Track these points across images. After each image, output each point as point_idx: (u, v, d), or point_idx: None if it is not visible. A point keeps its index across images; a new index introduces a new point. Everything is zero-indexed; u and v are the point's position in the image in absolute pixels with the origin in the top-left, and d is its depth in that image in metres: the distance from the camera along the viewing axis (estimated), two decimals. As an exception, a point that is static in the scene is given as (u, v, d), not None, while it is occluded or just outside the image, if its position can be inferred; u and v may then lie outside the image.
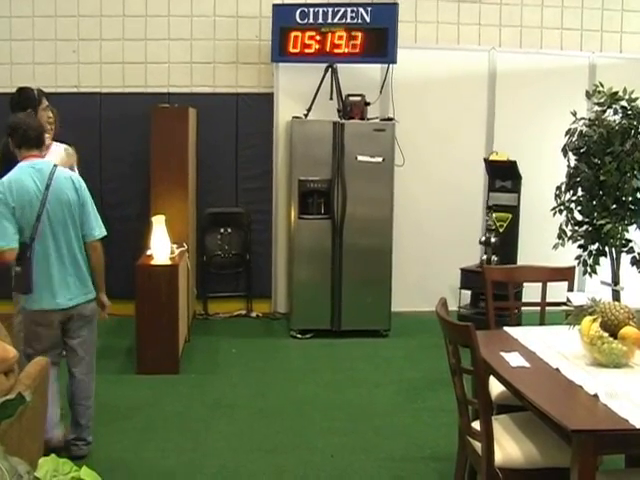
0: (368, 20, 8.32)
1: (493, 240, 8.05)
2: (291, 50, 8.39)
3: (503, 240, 8.16)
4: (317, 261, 8.06)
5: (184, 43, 8.86)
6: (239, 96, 8.83)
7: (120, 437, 5.49)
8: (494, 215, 8.21)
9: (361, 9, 8.30)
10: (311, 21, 8.36)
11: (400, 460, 5.15)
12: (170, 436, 5.55)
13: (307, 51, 8.39)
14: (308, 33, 8.36)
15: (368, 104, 8.16)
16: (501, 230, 8.21)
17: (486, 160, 8.41)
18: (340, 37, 8.33)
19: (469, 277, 8.23)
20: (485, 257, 8.15)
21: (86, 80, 8.66)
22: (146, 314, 6.77)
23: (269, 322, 8.77)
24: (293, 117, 8.15)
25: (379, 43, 8.33)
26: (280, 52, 8.40)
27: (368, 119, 8.13)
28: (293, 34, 8.36)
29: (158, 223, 7.12)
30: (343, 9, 8.31)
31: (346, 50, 8.34)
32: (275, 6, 8.36)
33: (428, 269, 8.89)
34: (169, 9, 8.80)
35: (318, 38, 8.35)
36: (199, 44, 8.86)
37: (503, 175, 8.27)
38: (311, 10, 8.32)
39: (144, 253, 7.22)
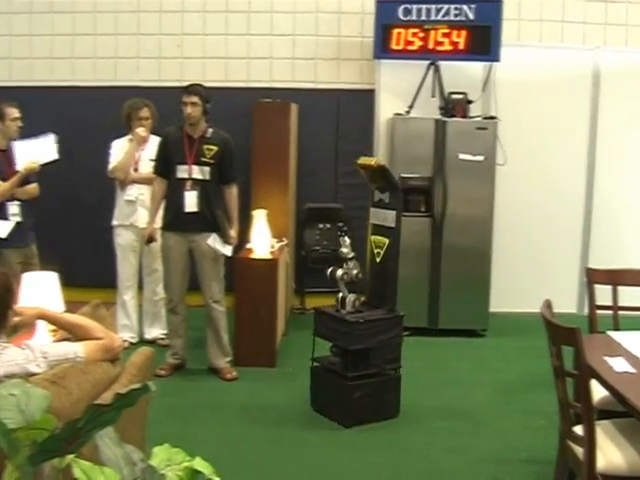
0: (472, 17, 8.24)
1: (340, 273, 5.93)
2: (393, 47, 8.33)
3: (381, 273, 6.07)
4: (416, 259, 8.00)
5: (286, 39, 8.92)
6: (341, 92, 8.85)
7: (217, 429, 5.59)
8: (372, 239, 6.12)
9: (465, 6, 8.22)
10: (414, 18, 8.30)
11: (496, 462, 5.10)
12: (266, 430, 5.61)
13: (410, 48, 8.33)
14: (411, 30, 8.30)
15: (470, 102, 8.10)
16: (378, 260, 6.04)
17: (357, 164, 6.22)
18: (443, 34, 8.26)
19: (325, 321, 6.01)
20: (340, 295, 5.96)
21: (189, 75, 8.74)
22: (245, 307, 6.84)
23: (365, 318, 8.79)
24: (395, 114, 8.13)
25: (482, 41, 8.24)
26: (382, 49, 8.36)
27: (470, 117, 8.08)
28: (396, 31, 8.31)
29: (259, 217, 7.18)
30: (447, 6, 8.24)
31: (449, 47, 8.27)
32: (378, 3, 8.30)
33: (527, 270, 8.78)
34: (272, 5, 8.87)
35: (421, 35, 8.29)
36: (301, 40, 8.91)
37: (379, 185, 6.07)
38: (414, 7, 8.26)
39: (244, 247, 7.29)
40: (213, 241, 6.49)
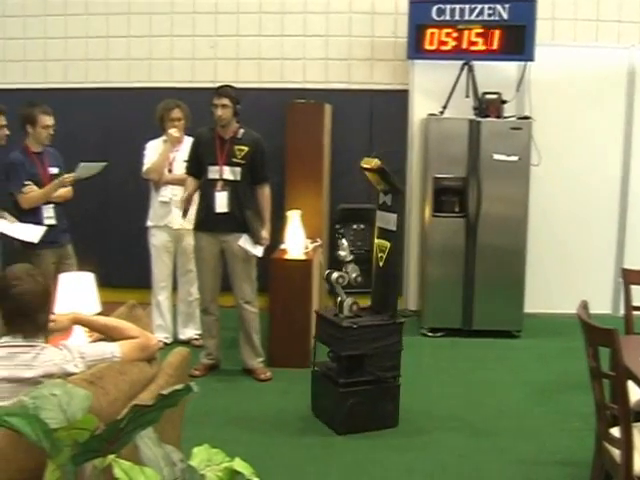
0: (505, 17, 8.20)
1: (335, 276, 5.80)
2: (427, 47, 8.31)
3: (383, 278, 5.81)
4: (450, 259, 8.02)
5: (320, 39, 8.91)
6: (374, 93, 8.84)
7: (248, 430, 5.61)
8: (376, 242, 5.86)
9: (498, 6, 8.18)
10: (447, 18, 8.27)
11: (531, 463, 5.08)
12: (299, 432, 5.63)
13: (443, 48, 8.30)
14: (445, 30, 8.27)
15: (504, 102, 8.06)
16: (381, 264, 5.79)
17: (360, 166, 5.97)
18: (477, 34, 8.22)
19: (323, 326, 5.91)
20: (339, 299, 5.79)
21: (223, 75, 8.76)
22: (279, 308, 6.86)
23: (400, 319, 8.76)
24: (428, 114, 8.13)
25: (516, 40, 8.20)
26: (416, 49, 8.34)
27: (504, 117, 8.04)
28: (429, 31, 8.29)
29: (293, 218, 7.19)
30: (480, 6, 8.20)
31: (483, 47, 8.24)
32: (411, 3, 8.27)
33: (562, 271, 8.73)
34: (305, 5, 8.88)
35: (455, 35, 8.26)
36: (335, 40, 8.91)
37: (383, 188, 5.84)
38: (448, 7, 8.24)
39: (278, 247, 7.30)
40: (244, 242, 6.52)
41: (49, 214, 6.43)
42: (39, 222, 6.35)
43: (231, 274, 6.68)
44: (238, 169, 6.51)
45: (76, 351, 3.26)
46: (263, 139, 6.67)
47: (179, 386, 1.96)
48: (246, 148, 6.53)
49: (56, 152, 6.67)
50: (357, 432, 5.53)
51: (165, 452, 2.03)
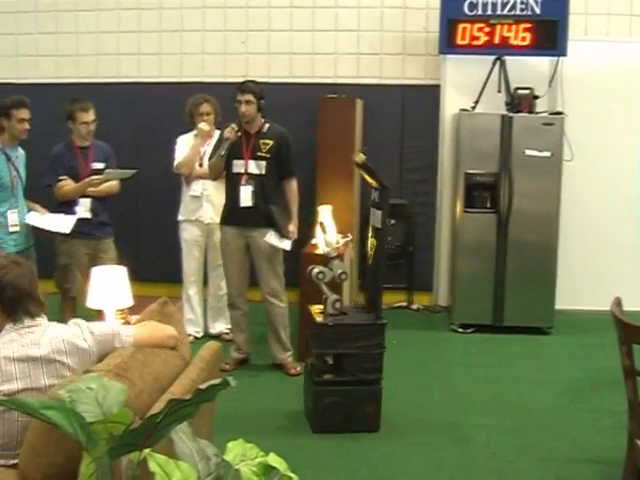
0: (538, 12, 8.15)
1: (315, 271, 5.72)
2: (459, 42, 8.27)
3: (371, 277, 5.75)
4: (481, 255, 8.00)
5: (351, 34, 8.91)
6: (406, 88, 8.82)
7: (278, 426, 5.62)
8: (369, 240, 5.66)
9: (531, 0, 8.14)
10: (480, 12, 8.24)
11: (563, 461, 5.04)
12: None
13: (475, 43, 8.26)
14: (476, 25, 8.24)
15: (537, 97, 8.02)
16: (370, 262, 5.68)
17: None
18: (509, 29, 8.19)
19: (309, 323, 5.77)
20: (324, 296, 5.66)
21: (254, 70, 8.79)
22: (310, 303, 6.82)
23: (429, 315, 8.73)
24: (460, 110, 8.11)
25: (549, 35, 8.16)
26: (448, 44, 8.30)
27: (536, 113, 8.00)
28: (461, 26, 8.25)
29: (324, 213, 7.18)
30: (512, 0, 8.16)
31: (515, 42, 8.20)
32: (443, -3, 8.28)
33: (594, 267, 8.67)
34: (337, 1, 8.88)
35: (487, 30, 8.22)
36: (366, 35, 8.90)
37: (374, 184, 5.72)
38: (480, 1, 8.20)
39: (309, 242, 7.29)
40: (269, 237, 6.52)
41: (85, 207, 6.50)
42: (72, 213, 6.41)
43: (257, 269, 6.70)
44: (263, 163, 6.52)
45: (85, 326, 3.33)
46: (289, 133, 6.68)
47: (216, 380, 1.96)
48: (271, 142, 6.54)
49: (107, 147, 6.74)
50: (333, 432, 5.38)
51: (200, 446, 2.04)
